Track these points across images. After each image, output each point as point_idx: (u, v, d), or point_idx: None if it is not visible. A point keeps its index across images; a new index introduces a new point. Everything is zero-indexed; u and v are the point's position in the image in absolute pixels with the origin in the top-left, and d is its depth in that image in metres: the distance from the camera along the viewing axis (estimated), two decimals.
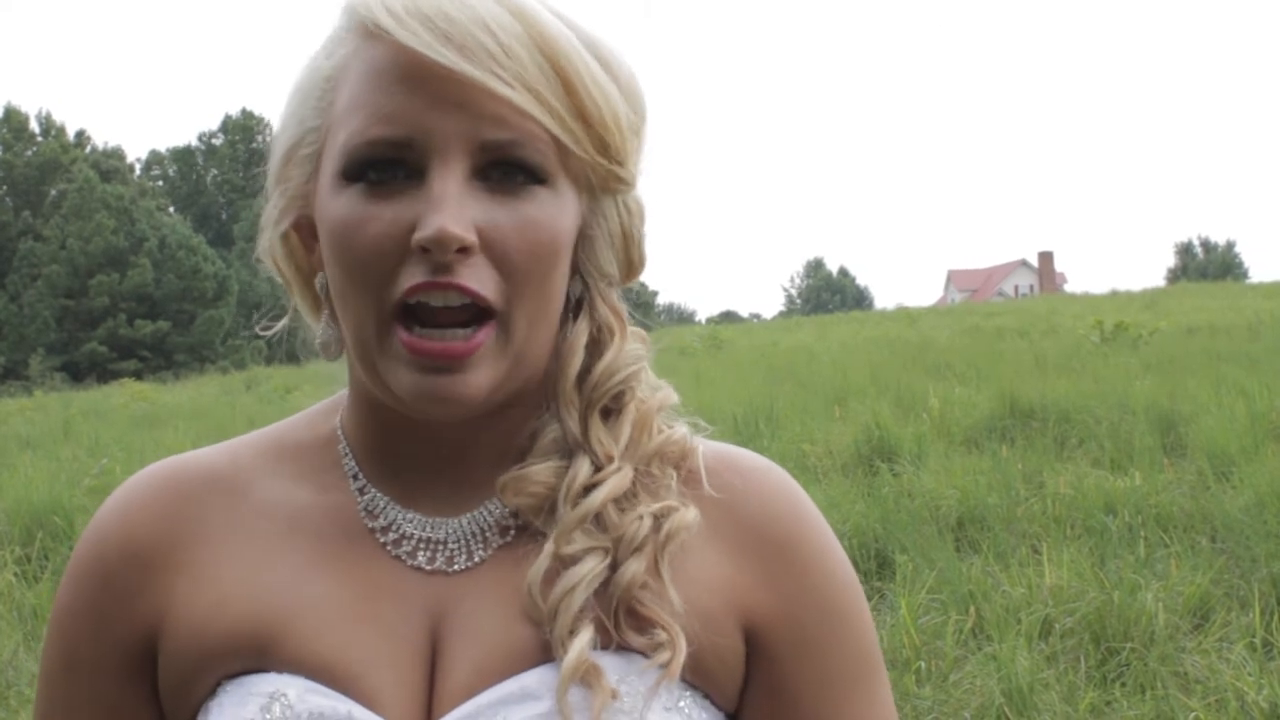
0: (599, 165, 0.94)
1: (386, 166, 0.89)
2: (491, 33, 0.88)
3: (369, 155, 0.89)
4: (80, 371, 45.85)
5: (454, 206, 0.87)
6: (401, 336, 0.89)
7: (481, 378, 0.90)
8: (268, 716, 0.91)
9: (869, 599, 5.51)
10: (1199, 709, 4.15)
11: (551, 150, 0.91)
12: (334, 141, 0.92)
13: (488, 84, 0.87)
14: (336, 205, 0.91)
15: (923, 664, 4.81)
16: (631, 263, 1.01)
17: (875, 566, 6.18)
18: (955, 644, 4.99)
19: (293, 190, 0.97)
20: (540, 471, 0.96)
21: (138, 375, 38.32)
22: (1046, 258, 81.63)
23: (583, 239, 0.97)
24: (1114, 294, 34.92)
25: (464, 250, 0.87)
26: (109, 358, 48.36)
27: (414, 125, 0.88)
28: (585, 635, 0.90)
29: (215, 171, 70.36)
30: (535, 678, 0.91)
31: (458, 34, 0.87)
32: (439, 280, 0.88)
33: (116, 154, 63.71)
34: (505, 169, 0.90)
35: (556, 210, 0.92)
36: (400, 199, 0.89)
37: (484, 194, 0.90)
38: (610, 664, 0.91)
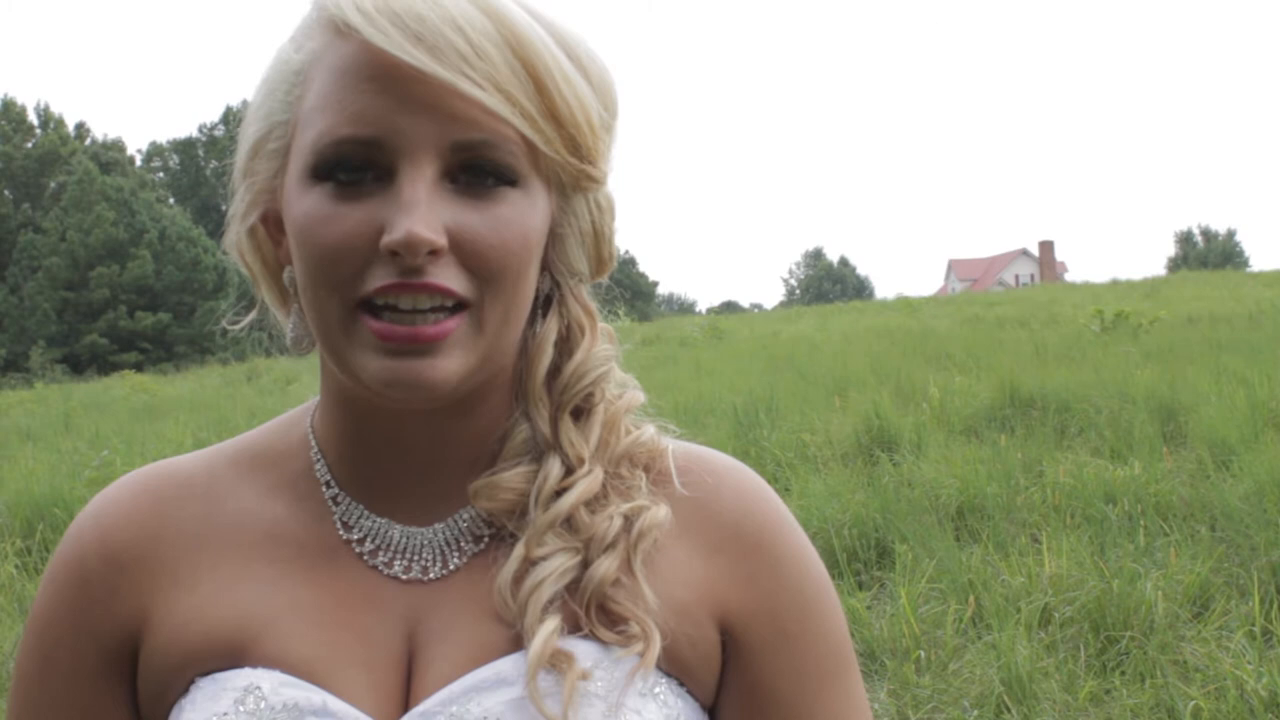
0: (570, 165, 0.93)
1: (355, 166, 0.88)
2: (463, 32, 0.86)
3: (338, 155, 0.88)
4: (81, 363, 45.86)
5: (423, 210, 0.86)
6: (370, 324, 0.89)
7: (452, 364, 0.89)
8: (242, 709, 0.91)
9: (869, 588, 5.56)
10: (1198, 697, 4.16)
11: (522, 151, 0.90)
12: (302, 138, 0.91)
13: (458, 85, 0.86)
14: (304, 204, 0.90)
15: (922, 653, 4.82)
16: (602, 259, 1.01)
17: (875, 556, 6.19)
18: (955, 633, 5.00)
19: (260, 184, 0.97)
20: (511, 478, 0.97)
21: (138, 367, 38.35)
22: (1047, 247, 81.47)
23: (553, 237, 0.97)
24: (1114, 283, 34.78)
25: (433, 253, 0.87)
26: (109, 350, 48.32)
27: (383, 126, 0.87)
28: (551, 623, 0.91)
29: (216, 163, 70.28)
30: (509, 664, 0.92)
31: (428, 34, 0.86)
32: (409, 282, 0.87)
33: (116, 146, 63.55)
34: (475, 170, 0.89)
35: (527, 210, 0.91)
36: (369, 200, 0.88)
37: (454, 195, 0.89)
38: (584, 650, 0.92)
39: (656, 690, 0.94)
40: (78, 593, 1.01)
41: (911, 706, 4.48)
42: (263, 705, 0.91)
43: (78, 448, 11.83)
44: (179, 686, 0.96)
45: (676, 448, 1.03)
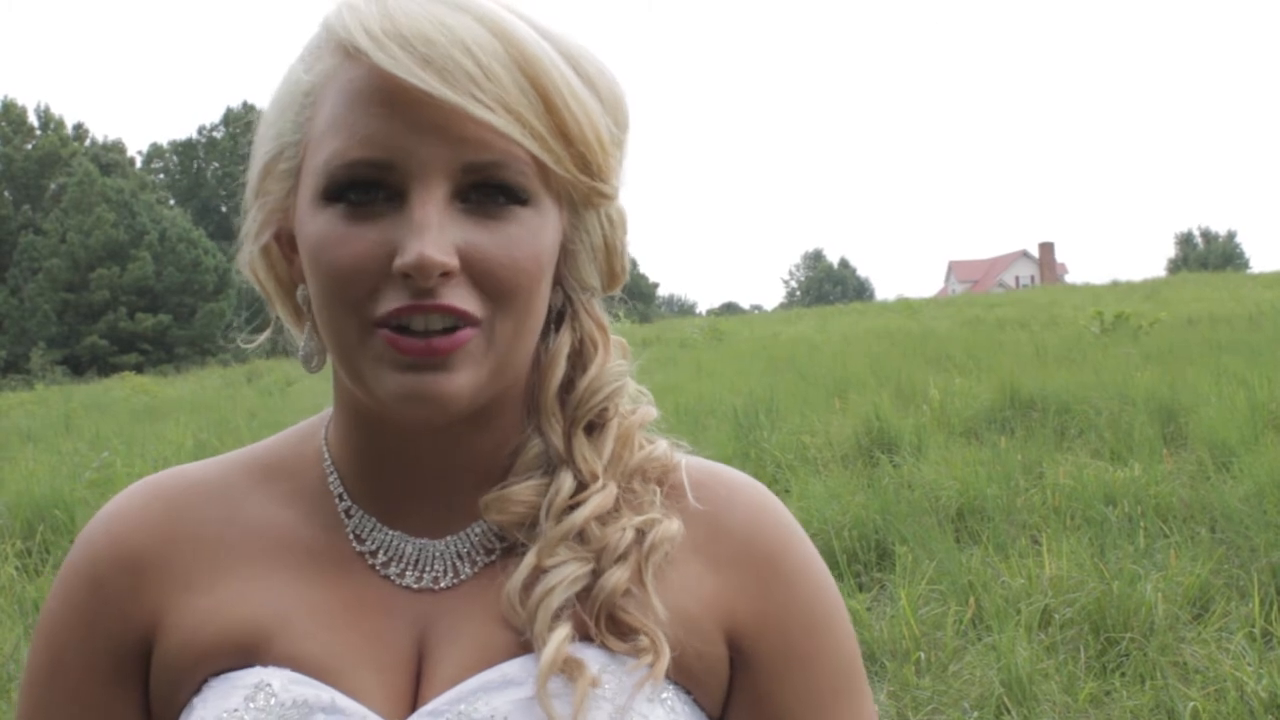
0: (581, 183, 0.93)
1: (367, 188, 0.89)
2: (471, 54, 0.87)
3: (349, 177, 0.89)
4: (81, 365, 45.89)
5: (435, 232, 0.87)
6: (384, 335, 0.89)
7: (464, 379, 0.90)
8: (252, 705, 0.92)
9: (869, 590, 5.56)
10: (1198, 699, 4.16)
11: (532, 170, 0.90)
12: (314, 159, 0.92)
13: (467, 108, 0.86)
14: (316, 224, 0.90)
15: (922, 655, 4.82)
16: (614, 273, 1.02)
17: (875, 557, 6.19)
18: (955, 634, 5.01)
19: (272, 204, 0.97)
20: (522, 490, 0.97)
21: (139, 368, 38.34)
22: (1047, 248, 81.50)
23: (564, 253, 0.97)
24: (1114, 284, 34.75)
25: (445, 274, 0.88)
26: (110, 351, 48.33)
27: (394, 148, 0.88)
28: (563, 630, 0.91)
29: (216, 165, 70.35)
30: (518, 665, 0.93)
31: (437, 57, 0.86)
32: (422, 303, 0.88)
33: (117, 147, 63.54)
34: (486, 190, 0.90)
35: (538, 229, 0.92)
36: (381, 221, 0.89)
37: (464, 215, 0.89)
38: (592, 656, 0.92)
39: (664, 696, 0.94)
40: (90, 597, 1.01)
41: (911, 708, 4.48)
42: (273, 702, 0.92)
43: (78, 449, 11.82)
44: (190, 686, 0.97)
45: (690, 463, 1.04)
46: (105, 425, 14.73)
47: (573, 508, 0.96)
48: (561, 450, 0.98)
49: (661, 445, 1.03)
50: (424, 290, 0.87)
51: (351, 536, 1.01)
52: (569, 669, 0.90)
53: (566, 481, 0.97)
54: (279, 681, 0.93)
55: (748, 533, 1.01)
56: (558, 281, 0.99)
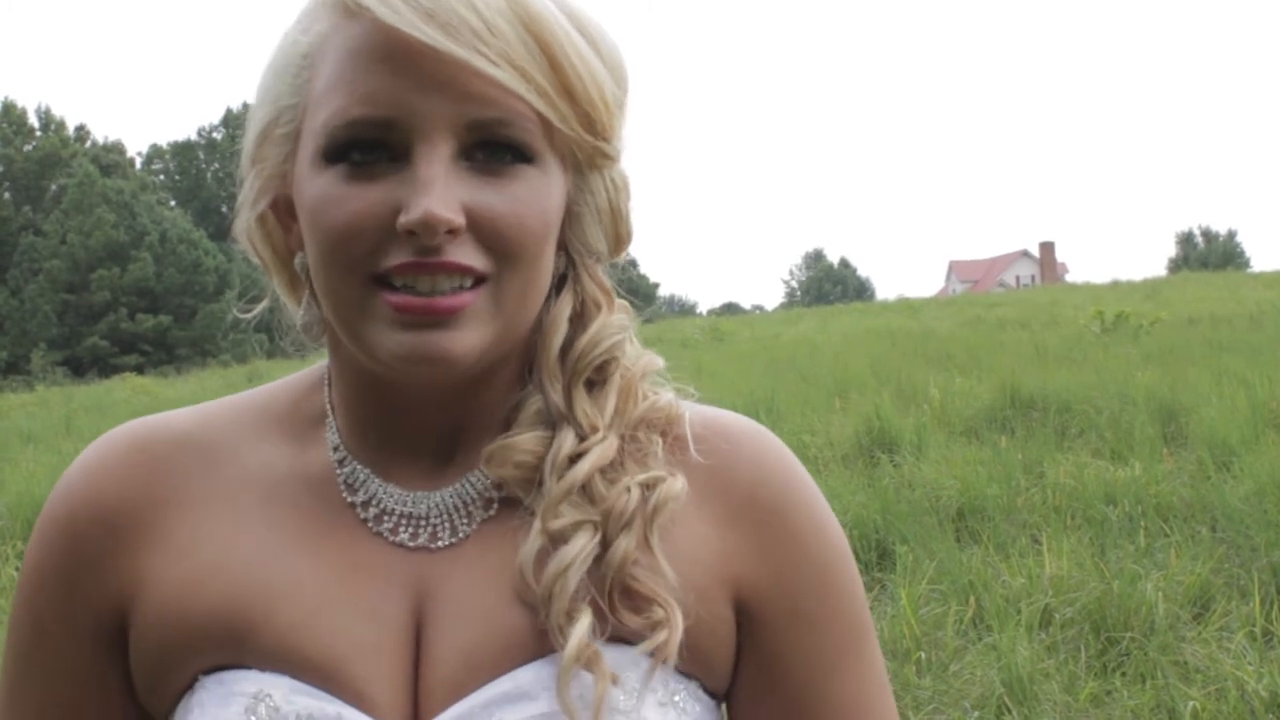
0: (585, 142, 0.92)
1: (369, 148, 0.87)
2: (475, 9, 0.85)
3: (351, 136, 0.86)
4: (82, 366, 45.88)
5: (440, 189, 0.85)
6: (387, 297, 0.87)
7: (470, 337, 0.88)
8: (253, 718, 0.89)
9: (870, 590, 5.54)
10: (1199, 698, 4.16)
11: (538, 128, 0.88)
12: (313, 121, 0.89)
13: (472, 62, 0.84)
14: (316, 186, 0.88)
15: (923, 654, 4.82)
16: (619, 238, 0.99)
17: (876, 557, 6.20)
18: (955, 634, 5.01)
19: (270, 169, 0.95)
20: (526, 440, 0.94)
21: (139, 369, 38.34)
22: (1048, 248, 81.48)
23: (569, 216, 0.95)
24: (1115, 284, 34.73)
25: (451, 232, 0.86)
26: (110, 352, 48.32)
27: (397, 106, 0.85)
28: (584, 622, 0.88)
29: (216, 165, 70.38)
30: (529, 675, 0.90)
31: (441, 11, 0.84)
32: (427, 261, 0.86)
33: (117, 148, 63.52)
34: (492, 148, 0.87)
35: (544, 188, 0.90)
36: (384, 181, 0.86)
37: (470, 174, 0.87)
38: (606, 656, 0.89)
39: (676, 698, 0.92)
40: (68, 553, 0.98)
41: (912, 708, 4.48)
42: (275, 716, 0.89)
43: (79, 450, 11.74)
44: (181, 675, 0.94)
45: (694, 413, 1.00)
46: (106, 426, 14.30)
47: (575, 460, 0.93)
48: (562, 406, 0.96)
49: (666, 396, 1.00)
50: (429, 248, 0.85)
51: (343, 486, 0.97)
52: (589, 661, 0.88)
53: (568, 438, 0.94)
54: (281, 692, 0.89)
55: (752, 486, 0.98)
56: (561, 245, 0.96)
